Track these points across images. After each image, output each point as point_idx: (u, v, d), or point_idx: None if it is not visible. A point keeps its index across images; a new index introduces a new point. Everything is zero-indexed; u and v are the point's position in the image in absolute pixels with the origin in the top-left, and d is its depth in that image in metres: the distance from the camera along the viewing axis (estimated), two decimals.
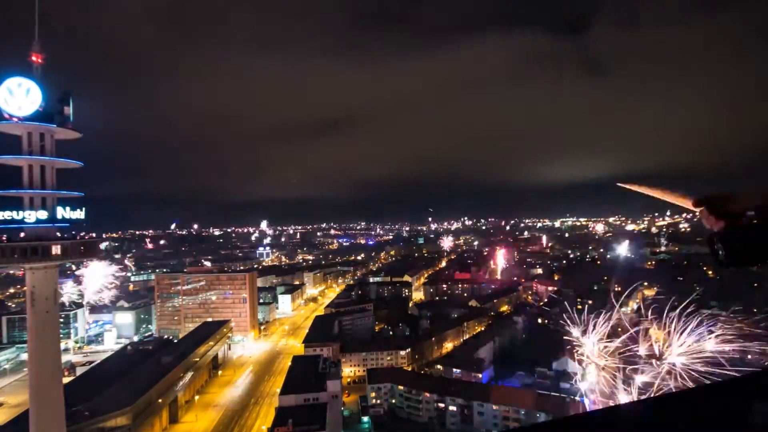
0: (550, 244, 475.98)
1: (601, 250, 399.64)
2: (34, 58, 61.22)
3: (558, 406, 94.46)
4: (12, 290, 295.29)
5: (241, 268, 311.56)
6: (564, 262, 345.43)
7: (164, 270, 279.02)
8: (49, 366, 61.83)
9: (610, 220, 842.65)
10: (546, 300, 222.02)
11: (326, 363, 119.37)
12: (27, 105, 59.01)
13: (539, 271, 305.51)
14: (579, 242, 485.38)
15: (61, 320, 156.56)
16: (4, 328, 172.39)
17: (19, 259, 58.86)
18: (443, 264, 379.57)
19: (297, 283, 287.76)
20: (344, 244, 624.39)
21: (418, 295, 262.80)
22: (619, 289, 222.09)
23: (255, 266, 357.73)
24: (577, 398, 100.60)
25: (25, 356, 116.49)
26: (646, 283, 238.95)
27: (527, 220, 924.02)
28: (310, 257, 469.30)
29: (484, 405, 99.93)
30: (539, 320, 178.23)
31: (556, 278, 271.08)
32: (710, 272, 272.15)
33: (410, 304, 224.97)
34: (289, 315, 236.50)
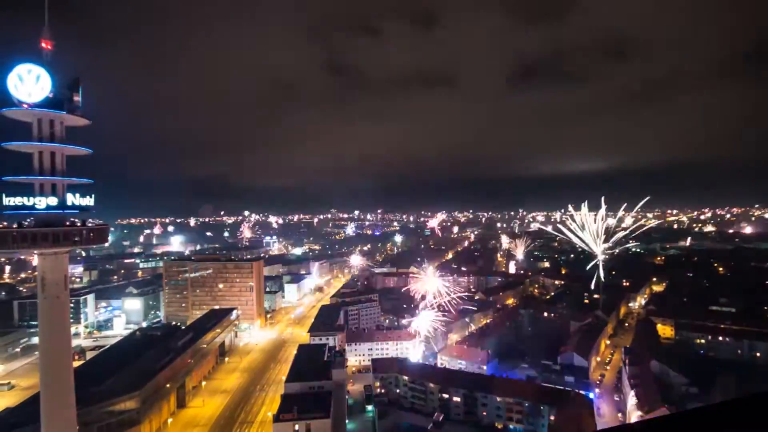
0: (558, 238, 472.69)
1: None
2: (43, 45, 61.05)
3: (562, 399, 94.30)
4: (24, 275, 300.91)
5: (248, 256, 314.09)
6: (572, 255, 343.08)
7: (172, 257, 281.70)
8: (59, 350, 62.75)
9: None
10: (553, 294, 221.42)
11: (332, 352, 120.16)
12: (37, 91, 58.98)
13: (546, 264, 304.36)
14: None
15: (72, 305, 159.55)
16: (16, 313, 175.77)
17: (29, 244, 59.42)
18: (449, 256, 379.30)
19: (303, 272, 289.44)
20: (351, 234, 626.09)
21: None
22: (628, 284, 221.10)
23: (262, 255, 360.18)
24: (583, 392, 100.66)
25: (36, 340, 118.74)
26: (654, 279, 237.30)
27: (538, 214, 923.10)
28: (317, 247, 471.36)
29: (488, 396, 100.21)
30: (545, 314, 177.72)
31: (563, 272, 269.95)
32: (720, 268, 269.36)
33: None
34: (295, 304, 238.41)
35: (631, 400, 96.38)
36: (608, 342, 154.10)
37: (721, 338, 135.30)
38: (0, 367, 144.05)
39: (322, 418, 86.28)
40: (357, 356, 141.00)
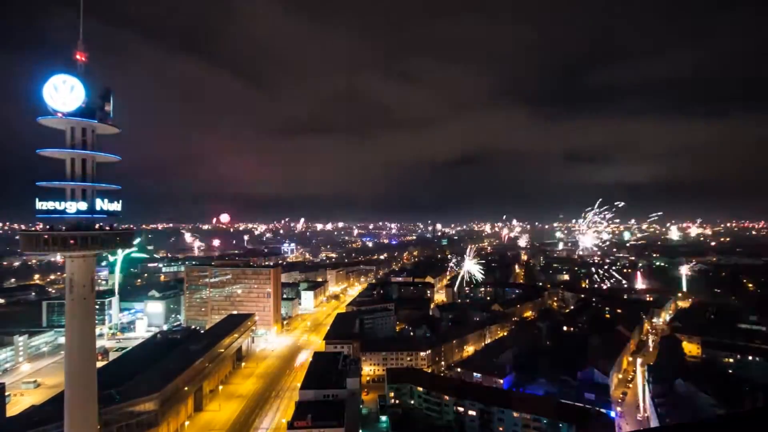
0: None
1: (632, 258, 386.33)
2: (78, 57, 64.12)
3: (582, 417, 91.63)
4: (53, 276, 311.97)
5: (266, 263, 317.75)
6: (593, 269, 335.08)
7: (193, 262, 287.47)
8: (84, 350, 64.70)
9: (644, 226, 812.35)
10: (572, 307, 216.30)
11: (346, 360, 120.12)
12: (71, 101, 61.85)
13: (566, 277, 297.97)
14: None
15: (97, 307, 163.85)
16: (44, 313, 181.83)
17: (59, 247, 61.87)
18: None
19: (320, 280, 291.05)
20: (367, 243, 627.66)
21: (440, 297, 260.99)
22: (651, 298, 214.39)
23: (279, 262, 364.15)
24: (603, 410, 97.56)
25: (62, 340, 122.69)
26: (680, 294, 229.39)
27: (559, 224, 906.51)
28: (334, 255, 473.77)
29: (505, 411, 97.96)
30: (564, 327, 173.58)
31: (583, 285, 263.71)
32: (749, 285, 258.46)
33: (432, 306, 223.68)
34: (311, 311, 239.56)
35: (655, 420, 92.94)
36: (630, 359, 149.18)
37: (750, 358, 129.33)
38: (27, 365, 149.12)
39: (336, 426, 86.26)
40: (372, 365, 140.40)
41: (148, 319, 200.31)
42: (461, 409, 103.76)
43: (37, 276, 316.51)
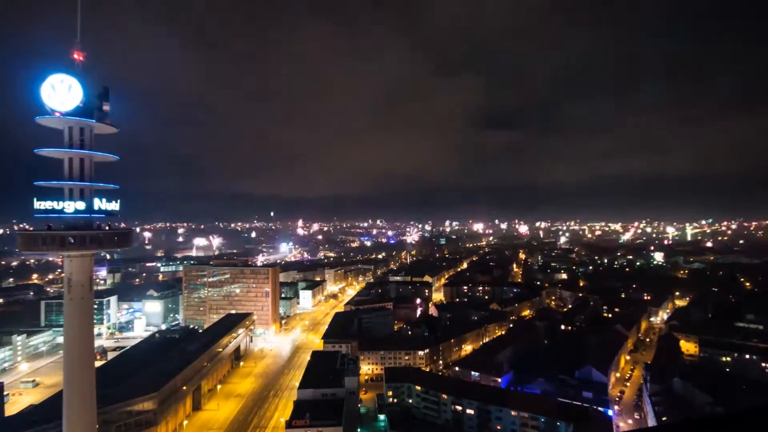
0: (576, 249, 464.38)
1: (630, 257, 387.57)
2: (75, 56, 63.85)
3: (580, 415, 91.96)
4: (51, 276, 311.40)
5: (265, 262, 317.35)
6: (590, 267, 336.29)
7: (191, 262, 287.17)
8: (83, 349, 64.61)
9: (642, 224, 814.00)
10: (570, 306, 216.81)
11: (345, 359, 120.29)
12: (69, 101, 61.54)
13: (564, 276, 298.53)
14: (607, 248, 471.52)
15: (96, 306, 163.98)
16: (43, 312, 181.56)
17: (58, 247, 61.76)
18: (464, 266, 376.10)
19: (318, 279, 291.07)
20: (366, 242, 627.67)
21: (438, 296, 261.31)
22: (649, 297, 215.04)
23: (278, 261, 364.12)
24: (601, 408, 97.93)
25: (61, 339, 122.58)
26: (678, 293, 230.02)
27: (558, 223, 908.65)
28: (332, 254, 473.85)
29: (503, 410, 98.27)
30: (562, 326, 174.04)
31: (581, 284, 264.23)
32: (747, 283, 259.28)
33: (430, 305, 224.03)
34: (309, 310, 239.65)
35: (653, 419, 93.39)
36: (628, 357, 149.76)
37: (748, 356, 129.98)
38: (26, 365, 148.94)
39: (334, 425, 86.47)
40: (370, 364, 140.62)
41: (146, 318, 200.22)
42: (459, 408, 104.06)
43: (35, 275, 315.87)
